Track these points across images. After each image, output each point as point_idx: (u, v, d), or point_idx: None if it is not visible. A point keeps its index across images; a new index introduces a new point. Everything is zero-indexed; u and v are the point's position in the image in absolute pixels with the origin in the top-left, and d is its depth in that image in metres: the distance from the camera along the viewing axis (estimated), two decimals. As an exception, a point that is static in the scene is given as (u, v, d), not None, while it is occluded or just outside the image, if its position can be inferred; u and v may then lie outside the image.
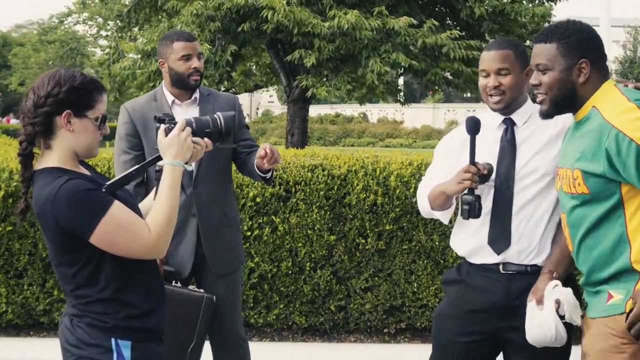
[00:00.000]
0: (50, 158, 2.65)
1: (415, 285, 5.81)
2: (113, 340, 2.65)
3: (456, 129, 3.59)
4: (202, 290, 3.90)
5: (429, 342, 5.69)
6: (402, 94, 17.33)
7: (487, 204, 3.31)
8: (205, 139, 2.80)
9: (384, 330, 5.97)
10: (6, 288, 5.77)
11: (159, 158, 2.73)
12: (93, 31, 30.33)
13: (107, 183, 2.64)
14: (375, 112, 52.65)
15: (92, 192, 2.57)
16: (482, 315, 3.31)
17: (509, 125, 3.33)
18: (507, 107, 3.32)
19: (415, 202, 5.53)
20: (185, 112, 4.03)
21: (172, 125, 2.73)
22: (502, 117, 3.36)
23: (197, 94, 4.13)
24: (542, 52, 2.91)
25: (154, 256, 2.68)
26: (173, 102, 4.11)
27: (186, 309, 3.85)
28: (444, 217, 3.49)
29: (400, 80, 28.09)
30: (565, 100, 2.90)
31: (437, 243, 5.75)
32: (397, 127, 46.40)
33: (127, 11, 16.83)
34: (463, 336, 3.36)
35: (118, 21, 17.48)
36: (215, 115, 2.86)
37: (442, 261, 5.78)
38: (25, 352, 5.58)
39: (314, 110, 47.27)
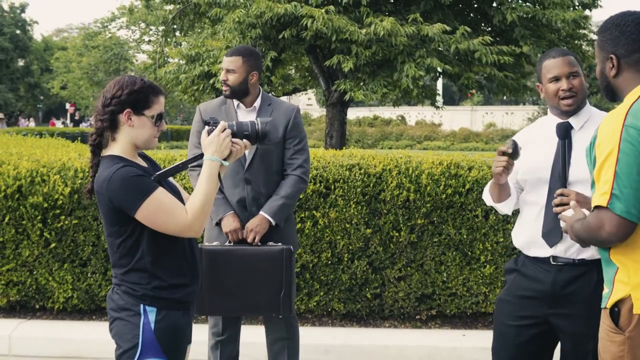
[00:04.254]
0: (114, 148, 3.18)
1: (444, 275, 6.07)
2: (142, 306, 3.11)
3: (523, 130, 3.83)
4: (280, 244, 4.40)
5: (457, 328, 6.13)
6: (438, 97, 17.48)
7: (541, 201, 3.54)
8: (244, 140, 3.21)
9: (416, 317, 6.22)
10: (72, 276, 6.13)
11: (202, 155, 3.17)
12: (136, 36, 30.86)
13: (157, 173, 3.15)
14: (414, 114, 52.49)
15: (140, 177, 3.06)
16: (532, 301, 3.54)
17: (556, 127, 3.52)
18: (579, 108, 3.53)
19: (445, 198, 5.96)
20: (246, 117, 4.56)
21: (214, 127, 3.16)
22: (560, 120, 3.55)
23: (257, 103, 4.61)
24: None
25: (189, 235, 3.11)
26: (238, 106, 4.64)
27: (270, 262, 4.35)
28: (505, 208, 3.71)
29: (439, 84, 28.13)
30: (604, 90, 2.98)
31: (465, 236, 6.01)
32: (435, 130, 46.16)
33: (172, 18, 17.28)
34: (514, 320, 3.59)
35: (163, 27, 17.93)
36: (254, 120, 3.28)
37: (469, 253, 6.05)
38: (88, 334, 5.91)
39: (353, 113, 47.32)
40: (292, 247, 4.43)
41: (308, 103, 64.06)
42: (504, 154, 3.41)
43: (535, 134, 3.68)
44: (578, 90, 3.51)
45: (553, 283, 3.49)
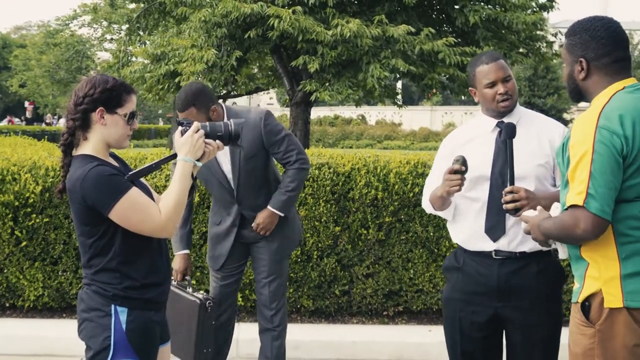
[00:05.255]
0: (86, 147, 3.15)
1: (411, 272, 6.21)
2: (113, 306, 3.09)
3: (455, 131, 3.92)
4: (201, 296, 4.51)
5: (424, 324, 6.26)
6: (399, 97, 17.69)
7: (482, 197, 3.62)
8: (217, 140, 3.23)
9: (384, 313, 6.35)
10: (43, 274, 6.15)
11: (176, 155, 3.19)
12: (97, 34, 30.55)
13: (130, 173, 3.16)
14: (374, 114, 52.74)
15: (115, 176, 3.05)
16: (481, 297, 3.63)
17: (502, 128, 3.60)
18: (512, 110, 3.65)
19: (412, 196, 6.09)
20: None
21: (188, 128, 3.18)
22: (495, 121, 3.66)
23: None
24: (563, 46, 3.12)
25: (163, 235, 3.12)
26: None
27: (188, 311, 4.47)
28: (447, 215, 3.79)
29: (399, 84, 28.35)
30: (572, 92, 3.08)
31: (431, 234, 6.16)
32: (395, 129, 46.45)
33: (137, 17, 17.18)
34: (467, 316, 3.68)
35: (127, 26, 17.85)
36: (227, 121, 3.31)
37: (436, 250, 6.19)
38: (59, 332, 5.93)
39: (313, 113, 47.05)
40: (208, 301, 4.51)
41: (269, 102, 63.99)
42: (457, 172, 3.48)
43: (471, 134, 3.77)
44: (513, 93, 3.63)
45: (497, 277, 3.60)
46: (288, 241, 4.92)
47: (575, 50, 3.00)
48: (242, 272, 5.06)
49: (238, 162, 4.67)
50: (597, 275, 2.87)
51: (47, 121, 50.77)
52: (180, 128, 3.20)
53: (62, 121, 49.00)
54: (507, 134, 3.50)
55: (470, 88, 3.79)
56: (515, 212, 3.40)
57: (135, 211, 3.04)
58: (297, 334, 5.94)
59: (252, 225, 4.78)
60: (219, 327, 4.96)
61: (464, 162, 3.47)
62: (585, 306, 2.90)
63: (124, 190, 3.02)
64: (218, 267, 4.94)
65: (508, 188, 3.41)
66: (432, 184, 3.79)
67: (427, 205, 3.84)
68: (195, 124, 3.17)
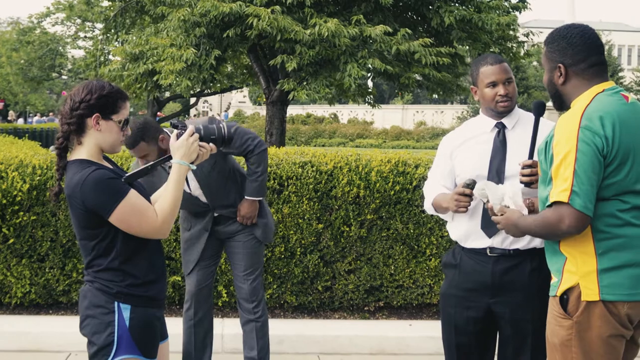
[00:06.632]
0: (81, 151, 3.17)
1: (392, 268, 6.36)
2: (116, 303, 3.14)
3: (456, 130, 4.02)
4: None
5: (404, 319, 6.41)
6: (372, 96, 17.86)
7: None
8: (211, 143, 3.26)
9: (365, 308, 6.49)
10: (30, 271, 6.18)
11: (170, 158, 3.25)
12: (71, 32, 30.30)
13: (126, 175, 3.20)
14: (346, 112, 52.88)
15: (114, 180, 3.08)
16: (476, 293, 3.74)
17: (501, 128, 3.75)
18: (511, 110, 3.77)
19: (393, 194, 6.24)
20: None
21: (183, 131, 3.22)
22: (494, 121, 3.78)
23: None
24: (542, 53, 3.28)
25: (159, 236, 3.17)
26: None
27: None
28: (447, 217, 3.90)
29: (370, 83, 28.52)
30: (553, 97, 3.21)
31: (412, 231, 6.31)
32: (367, 128, 46.62)
33: (114, 15, 17.16)
34: (463, 311, 3.79)
35: (104, 24, 17.78)
36: (220, 125, 3.37)
37: (416, 247, 6.35)
38: (45, 328, 5.95)
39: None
40: None
41: (241, 100, 63.90)
42: (466, 194, 3.60)
43: (469, 134, 3.86)
44: (513, 95, 3.75)
45: (492, 274, 3.70)
46: (267, 228, 5.08)
47: (553, 57, 3.15)
48: (216, 268, 5.24)
49: (203, 179, 4.84)
50: (575, 269, 3.01)
51: (9, 118, 50.30)
52: (175, 132, 3.24)
53: (36, 119, 48.71)
54: (537, 111, 3.58)
55: (472, 87, 3.91)
56: (529, 185, 3.47)
57: (135, 215, 3.08)
58: (281, 329, 6.05)
59: (237, 218, 4.95)
60: (196, 324, 5.13)
61: (474, 186, 3.59)
62: (564, 299, 3.04)
63: (123, 193, 3.07)
64: (188, 272, 5.13)
65: (527, 161, 3.48)
66: (433, 185, 3.93)
67: (429, 208, 3.93)
68: (190, 128, 3.22)
